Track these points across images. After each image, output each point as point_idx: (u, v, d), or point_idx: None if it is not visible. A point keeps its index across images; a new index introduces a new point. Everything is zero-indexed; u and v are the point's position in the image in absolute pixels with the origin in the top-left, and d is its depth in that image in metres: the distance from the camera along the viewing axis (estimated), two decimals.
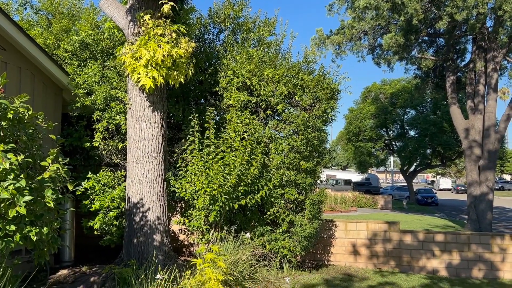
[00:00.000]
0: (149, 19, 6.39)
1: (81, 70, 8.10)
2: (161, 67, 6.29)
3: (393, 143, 38.11)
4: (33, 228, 3.39)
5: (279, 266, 7.63)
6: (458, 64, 17.22)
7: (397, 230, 9.12)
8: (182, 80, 6.62)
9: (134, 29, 6.70)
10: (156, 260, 6.08)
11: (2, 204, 3.16)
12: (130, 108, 6.81)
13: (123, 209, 7.27)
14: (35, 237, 3.38)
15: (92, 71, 7.87)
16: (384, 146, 38.22)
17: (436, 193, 38.81)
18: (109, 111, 7.60)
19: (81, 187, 7.28)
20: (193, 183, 6.87)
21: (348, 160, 50.75)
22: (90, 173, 7.56)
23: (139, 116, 6.69)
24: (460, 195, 51.39)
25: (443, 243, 8.96)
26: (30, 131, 3.82)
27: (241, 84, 7.92)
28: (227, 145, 7.13)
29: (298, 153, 7.69)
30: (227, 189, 6.63)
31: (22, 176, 3.26)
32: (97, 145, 7.59)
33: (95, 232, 7.48)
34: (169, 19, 6.62)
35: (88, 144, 7.71)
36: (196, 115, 7.22)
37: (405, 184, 41.51)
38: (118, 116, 7.53)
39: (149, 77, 6.24)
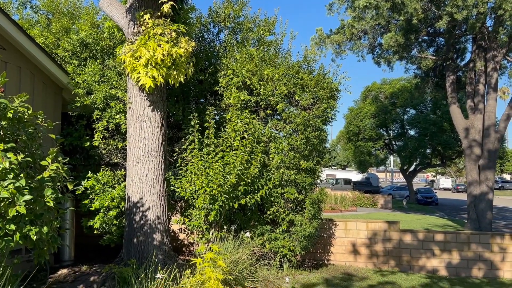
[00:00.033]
0: (149, 19, 6.39)
1: (81, 70, 8.10)
2: (161, 66, 6.28)
3: (393, 142, 38.13)
4: (33, 227, 3.39)
5: (279, 266, 7.63)
6: (458, 64, 17.22)
7: (397, 230, 9.12)
8: (182, 80, 6.62)
9: (134, 29, 6.70)
10: (156, 260, 6.08)
11: (2, 203, 3.16)
12: (130, 108, 6.81)
13: (123, 209, 7.27)
14: (35, 237, 3.38)
15: (92, 70, 7.87)
16: (384, 146, 38.24)
17: (436, 192, 38.83)
18: (109, 111, 7.59)
19: (81, 186, 7.28)
20: (193, 183, 6.87)
21: (348, 159, 50.77)
22: (90, 172, 7.56)
23: (139, 115, 6.69)
24: (460, 194, 51.40)
25: (443, 242, 8.96)
26: (30, 130, 3.82)
27: (241, 84, 7.92)
28: (227, 144, 7.13)
29: (298, 153, 7.69)
30: (227, 188, 6.63)
31: (22, 175, 3.26)
32: (97, 144, 7.59)
33: (95, 232, 7.48)
34: (169, 19, 6.62)
35: (88, 143, 7.71)
36: (196, 114, 7.22)
37: (405, 183, 41.53)
38: (118, 116, 7.53)
39: (149, 77, 6.24)
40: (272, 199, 7.55)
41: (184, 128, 7.69)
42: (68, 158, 4.17)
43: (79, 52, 8.52)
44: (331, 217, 9.98)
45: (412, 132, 35.08)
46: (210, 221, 6.94)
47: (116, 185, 7.49)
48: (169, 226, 7.63)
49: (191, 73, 6.78)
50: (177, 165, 7.29)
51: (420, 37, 16.73)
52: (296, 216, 7.65)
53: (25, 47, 6.72)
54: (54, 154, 3.65)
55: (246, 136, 7.20)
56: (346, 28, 16.64)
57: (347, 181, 43.38)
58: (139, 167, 6.65)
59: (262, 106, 8.05)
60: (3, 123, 3.48)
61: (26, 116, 3.74)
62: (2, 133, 3.54)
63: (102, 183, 7.42)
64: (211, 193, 6.59)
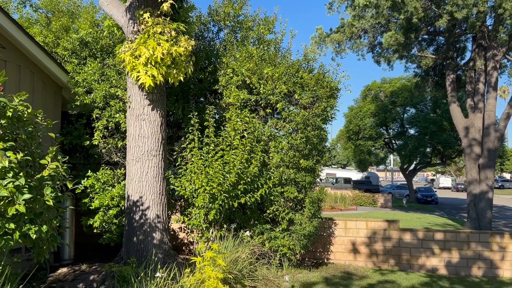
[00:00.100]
0: (148, 17, 6.38)
1: (80, 68, 8.09)
2: (161, 65, 6.28)
3: (393, 141, 38.11)
4: (33, 226, 3.39)
5: (279, 265, 7.64)
6: (458, 63, 17.21)
7: (397, 229, 9.13)
8: (182, 79, 6.62)
9: (133, 27, 6.69)
10: (156, 258, 6.08)
11: (2, 202, 3.16)
12: (129, 107, 6.81)
13: (123, 208, 7.27)
14: (35, 235, 3.38)
15: (91, 69, 7.86)
16: (384, 145, 38.23)
17: (436, 191, 38.88)
18: (108, 109, 7.59)
19: (80, 185, 7.28)
20: (192, 182, 6.87)
21: (348, 158, 50.77)
22: (89, 171, 7.55)
23: (138, 114, 6.69)
24: (460, 193, 51.44)
25: (442, 241, 8.97)
26: (30, 129, 3.81)
27: (240, 83, 7.92)
28: (227, 143, 7.13)
29: (298, 152, 7.69)
30: (226, 187, 6.64)
31: (21, 174, 3.26)
32: (96, 143, 7.59)
33: (95, 231, 7.48)
34: (169, 17, 6.61)
35: (88, 142, 7.71)
36: (196, 113, 7.21)
37: (405, 182, 41.54)
38: (117, 115, 7.53)
39: (149, 75, 6.24)
40: (272, 198, 7.56)
41: (184, 127, 7.69)
42: (67, 157, 4.16)
43: (78, 51, 8.52)
44: (331, 216, 9.98)
45: (412, 131, 35.11)
46: (210, 220, 6.94)
47: (116, 184, 7.49)
48: (169, 225, 7.63)
49: (190, 72, 6.78)
50: (177, 164, 7.29)
51: (420, 36, 16.72)
52: (296, 215, 7.65)
53: (25, 46, 6.71)
54: (53, 153, 3.65)
55: (246, 135, 7.20)
56: (346, 27, 16.62)
57: (347, 180, 43.37)
58: (139, 166, 6.65)
59: (262, 105, 8.04)
60: (3, 122, 3.48)
61: (25, 115, 3.74)
62: (1, 132, 3.53)
63: (102, 182, 7.42)
64: (211, 192, 6.60)
